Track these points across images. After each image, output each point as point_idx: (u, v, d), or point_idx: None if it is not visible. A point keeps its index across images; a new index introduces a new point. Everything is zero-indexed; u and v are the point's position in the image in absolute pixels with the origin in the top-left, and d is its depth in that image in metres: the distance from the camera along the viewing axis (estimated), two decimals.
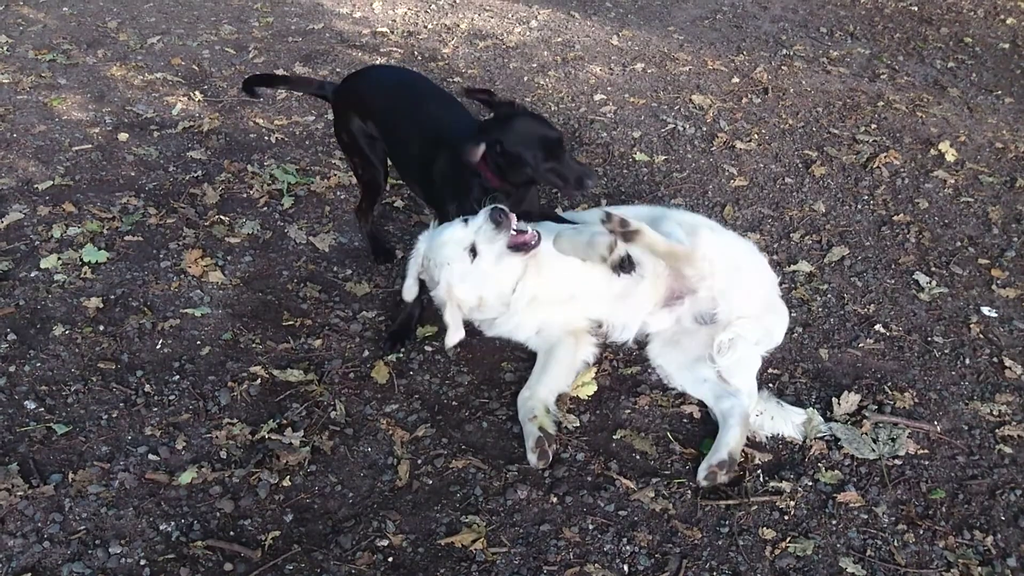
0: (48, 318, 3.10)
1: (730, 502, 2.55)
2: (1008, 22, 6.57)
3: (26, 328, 3.04)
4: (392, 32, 5.74)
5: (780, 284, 3.50)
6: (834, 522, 2.51)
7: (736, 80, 5.33)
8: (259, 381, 2.90)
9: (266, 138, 4.36)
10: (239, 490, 2.52)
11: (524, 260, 2.85)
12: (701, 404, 2.91)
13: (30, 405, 2.73)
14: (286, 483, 2.55)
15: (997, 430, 2.87)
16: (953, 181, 4.33)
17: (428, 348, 3.12)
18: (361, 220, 3.51)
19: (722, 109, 4.94)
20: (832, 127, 4.82)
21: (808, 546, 2.42)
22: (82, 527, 2.37)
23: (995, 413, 2.94)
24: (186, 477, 2.53)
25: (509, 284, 2.89)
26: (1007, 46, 6.11)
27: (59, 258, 3.37)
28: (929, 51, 5.98)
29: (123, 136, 4.26)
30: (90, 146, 4.17)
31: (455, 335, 2.83)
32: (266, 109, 4.63)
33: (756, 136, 4.65)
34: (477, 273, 2.79)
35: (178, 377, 2.90)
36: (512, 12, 6.24)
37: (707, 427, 2.83)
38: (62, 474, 2.51)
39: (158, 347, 3.02)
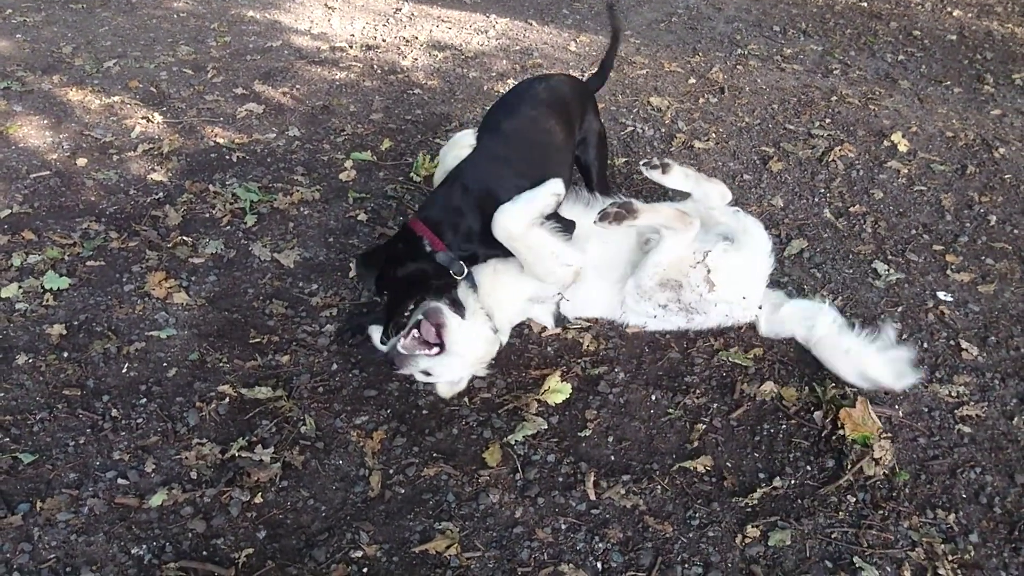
0: (11, 347, 3.07)
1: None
2: (955, 14, 6.72)
3: None
4: (351, 47, 5.75)
5: None
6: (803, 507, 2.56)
7: (693, 81, 5.41)
8: (227, 400, 2.89)
9: (227, 157, 4.35)
10: (211, 509, 2.52)
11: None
12: (664, 399, 2.96)
13: None
14: (258, 500, 2.55)
15: (956, 411, 2.95)
16: (906, 171, 4.43)
17: None
18: None
19: (680, 110, 5.01)
20: (788, 123, 4.91)
21: (776, 534, 2.47)
22: (52, 555, 2.35)
23: (953, 395, 3.02)
24: (156, 499, 2.52)
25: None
26: (954, 38, 6.26)
27: (20, 287, 3.34)
28: (879, 45, 6.10)
29: (82, 161, 4.23)
30: (48, 172, 4.13)
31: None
32: (227, 128, 4.62)
33: (714, 135, 4.73)
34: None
35: (145, 400, 2.89)
36: (470, 22, 6.28)
37: (677, 427, 2.88)
38: (30, 503, 2.49)
39: (124, 371, 3.00)
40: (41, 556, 2.35)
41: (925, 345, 3.25)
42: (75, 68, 5.23)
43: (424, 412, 2.91)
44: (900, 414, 2.92)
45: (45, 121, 4.59)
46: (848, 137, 4.75)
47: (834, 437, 2.79)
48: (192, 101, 4.89)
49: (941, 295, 3.53)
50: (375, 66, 5.47)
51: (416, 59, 5.61)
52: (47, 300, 3.29)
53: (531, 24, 6.30)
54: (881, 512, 2.56)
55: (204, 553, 2.40)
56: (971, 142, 4.74)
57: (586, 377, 3.07)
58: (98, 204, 3.91)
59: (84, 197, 3.96)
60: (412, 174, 4.25)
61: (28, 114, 4.65)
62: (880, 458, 2.70)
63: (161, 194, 4.01)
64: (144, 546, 2.40)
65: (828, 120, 4.95)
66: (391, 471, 2.68)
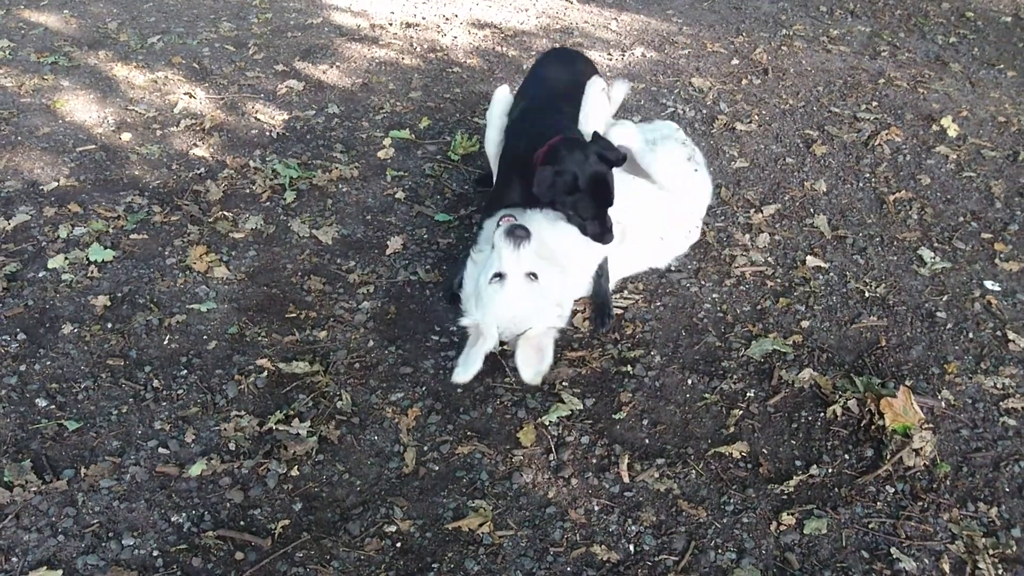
0: (57, 317, 3.14)
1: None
2: None
3: (35, 327, 3.08)
4: (391, 25, 5.74)
5: (781, 263, 3.52)
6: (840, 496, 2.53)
7: (736, 62, 5.31)
8: (265, 373, 2.93)
9: (268, 133, 4.38)
10: (248, 481, 2.56)
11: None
12: (700, 383, 2.93)
13: (41, 403, 2.77)
14: (294, 473, 2.59)
15: (1001, 403, 2.88)
16: (955, 156, 4.31)
17: (433, 337, 3.14)
18: None
19: (722, 91, 4.93)
20: (833, 106, 4.80)
21: (812, 522, 2.44)
22: (95, 520, 2.41)
23: (999, 386, 2.95)
24: (196, 469, 2.57)
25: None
26: (1009, 19, 6.07)
27: (66, 258, 3.40)
28: (930, 27, 5.94)
29: (126, 136, 4.29)
30: (94, 147, 4.20)
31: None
32: (267, 104, 4.65)
33: (756, 117, 4.64)
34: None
35: (186, 372, 2.94)
36: (510, 1, 6.23)
37: (713, 412, 2.85)
38: (74, 469, 2.55)
39: (165, 343, 3.06)
40: (85, 521, 2.41)
41: (971, 335, 3.18)
42: (120, 44, 5.29)
43: (459, 390, 2.92)
44: (943, 405, 2.86)
45: (91, 96, 4.66)
46: (895, 121, 4.64)
47: (873, 426, 2.75)
48: (233, 77, 4.93)
49: (988, 284, 3.44)
50: (414, 44, 5.46)
51: (456, 37, 5.58)
52: (92, 272, 3.35)
53: (571, 3, 6.24)
54: (920, 504, 2.52)
55: (241, 523, 2.44)
56: None
57: (621, 358, 3.05)
58: (142, 178, 3.97)
59: (128, 171, 4.02)
60: (450, 153, 4.25)
61: (75, 89, 4.72)
62: (921, 449, 2.65)
63: (203, 169, 4.05)
64: (183, 514, 2.45)
65: (875, 103, 4.83)
66: (425, 448, 2.69)
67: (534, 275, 2.84)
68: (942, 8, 6.25)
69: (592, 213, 2.99)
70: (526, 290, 2.83)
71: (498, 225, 2.91)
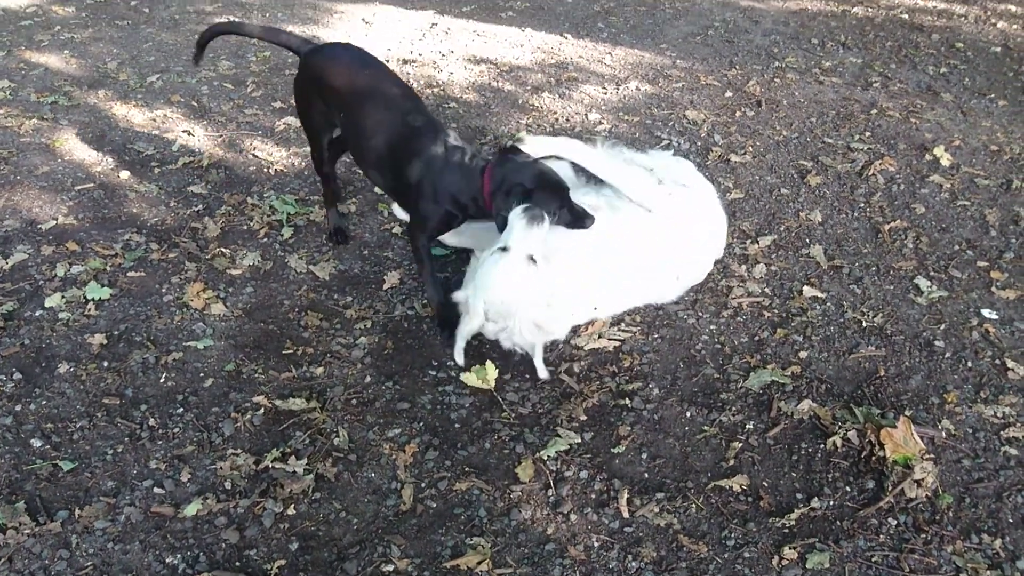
0: (53, 356, 3.13)
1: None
2: (999, 26, 6.61)
3: (31, 367, 3.07)
4: (388, 60, 5.81)
5: (778, 294, 3.52)
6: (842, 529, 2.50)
7: (729, 94, 5.37)
8: (262, 411, 2.92)
9: (265, 170, 4.41)
10: (244, 520, 2.53)
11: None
12: (699, 416, 2.92)
13: (36, 443, 2.75)
14: (291, 511, 2.56)
15: (1002, 432, 2.86)
16: (949, 185, 4.34)
17: (431, 372, 3.13)
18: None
19: (716, 123, 4.98)
20: (826, 136, 4.84)
21: (814, 556, 2.42)
22: (89, 563, 2.38)
23: (999, 415, 2.93)
24: (191, 509, 2.54)
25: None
26: (999, 49, 6.14)
27: (63, 296, 3.40)
28: (921, 57, 6.01)
29: (125, 174, 4.32)
30: (92, 185, 4.22)
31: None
32: (265, 141, 4.68)
33: (751, 149, 4.68)
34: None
35: (182, 410, 2.92)
36: (506, 36, 6.31)
37: (712, 445, 2.84)
38: (68, 511, 2.52)
39: (162, 380, 3.05)
40: (78, 563, 2.38)
41: (969, 364, 3.17)
42: (120, 83, 5.35)
43: (456, 426, 2.90)
44: (943, 435, 2.84)
45: (90, 134, 4.70)
46: (889, 151, 4.68)
47: (874, 458, 2.73)
48: (232, 115, 4.97)
49: (986, 312, 3.44)
50: (411, 80, 5.52)
51: (452, 73, 5.64)
52: (89, 310, 3.35)
53: (566, 38, 6.32)
54: (924, 536, 2.49)
55: (237, 563, 2.41)
56: (1016, 156, 4.64)
57: (620, 391, 3.04)
58: (140, 216, 3.98)
59: (126, 209, 4.04)
60: None
61: (74, 128, 4.76)
62: (922, 480, 2.63)
63: (201, 206, 4.07)
64: (178, 555, 2.42)
65: (868, 133, 4.87)
66: (423, 485, 2.67)
67: (534, 259, 2.87)
68: (932, 39, 6.34)
69: (557, 204, 3.02)
70: (522, 270, 2.86)
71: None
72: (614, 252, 3.17)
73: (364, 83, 3.25)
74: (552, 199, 3.00)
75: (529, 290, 2.90)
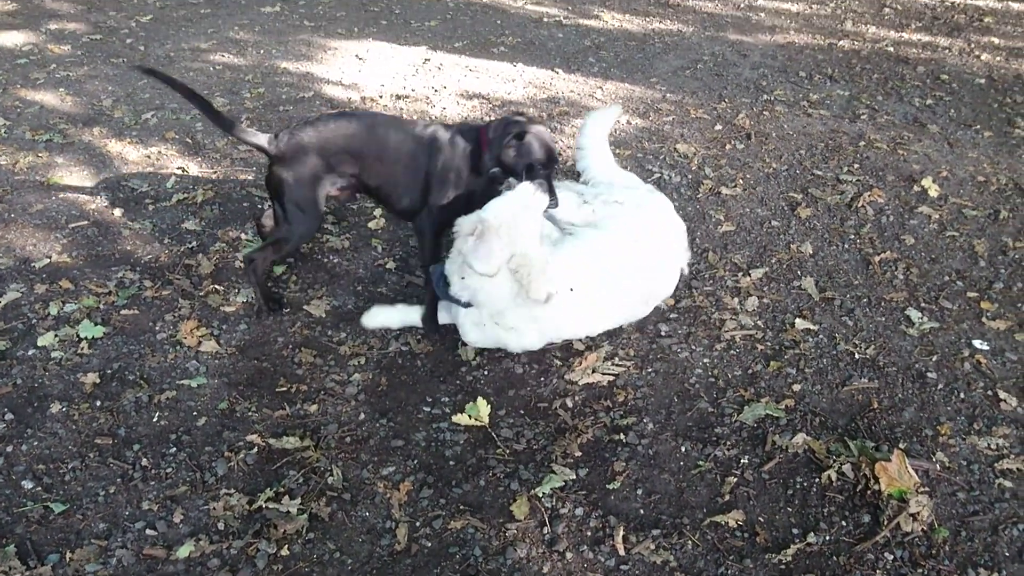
0: (46, 396, 3.12)
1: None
2: (983, 58, 6.71)
3: (23, 407, 3.06)
4: (381, 96, 5.87)
5: (770, 326, 3.53)
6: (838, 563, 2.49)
7: (719, 127, 5.43)
8: (256, 450, 2.90)
9: (259, 206, 4.43)
10: (237, 562, 2.51)
11: None
12: (694, 450, 2.92)
13: (27, 484, 2.73)
14: (284, 552, 2.54)
15: (996, 464, 2.87)
16: (938, 216, 4.39)
17: (425, 408, 3.13)
18: (260, 270, 3.55)
19: (706, 156, 5.03)
20: (815, 169, 4.90)
21: None
22: None
23: (993, 447, 2.94)
24: (184, 551, 2.52)
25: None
26: (983, 81, 6.24)
27: (56, 335, 3.40)
28: (907, 89, 6.10)
29: (119, 211, 4.34)
30: (86, 222, 4.23)
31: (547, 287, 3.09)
32: (259, 177, 4.71)
33: (741, 181, 4.72)
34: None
35: (175, 449, 2.91)
36: (498, 72, 6.38)
37: (708, 480, 2.83)
38: (59, 554, 2.50)
39: (155, 420, 3.03)
40: None
41: (962, 395, 3.18)
42: (115, 120, 5.38)
43: (451, 463, 2.89)
44: (937, 467, 2.84)
45: (85, 172, 4.72)
46: (877, 182, 4.73)
47: (869, 492, 2.73)
48: (226, 151, 5.01)
49: (977, 343, 3.46)
50: (405, 115, 5.57)
51: (445, 108, 5.70)
52: (82, 348, 3.35)
53: (557, 72, 6.39)
54: (920, 570, 2.48)
55: None
56: (1003, 186, 4.69)
57: (613, 426, 3.03)
58: (134, 253, 3.99)
59: (120, 246, 4.05)
60: None
61: (69, 165, 4.78)
62: (918, 514, 2.63)
63: (194, 243, 4.08)
64: None
65: (856, 165, 4.93)
66: (418, 523, 2.66)
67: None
68: (918, 71, 6.43)
69: (548, 172, 3.36)
70: (526, 202, 3.12)
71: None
72: (582, 278, 3.24)
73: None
74: (542, 151, 3.33)
75: (522, 224, 3.07)
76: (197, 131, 5.25)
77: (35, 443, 2.91)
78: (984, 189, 4.66)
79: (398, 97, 5.87)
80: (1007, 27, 7.43)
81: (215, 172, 4.76)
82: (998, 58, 6.69)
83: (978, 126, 5.49)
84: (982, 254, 4.06)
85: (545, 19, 7.73)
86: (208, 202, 4.44)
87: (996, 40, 7.10)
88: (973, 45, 6.99)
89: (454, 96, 5.91)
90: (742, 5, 8.21)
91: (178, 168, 4.79)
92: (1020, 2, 8.14)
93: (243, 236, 4.12)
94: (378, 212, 4.36)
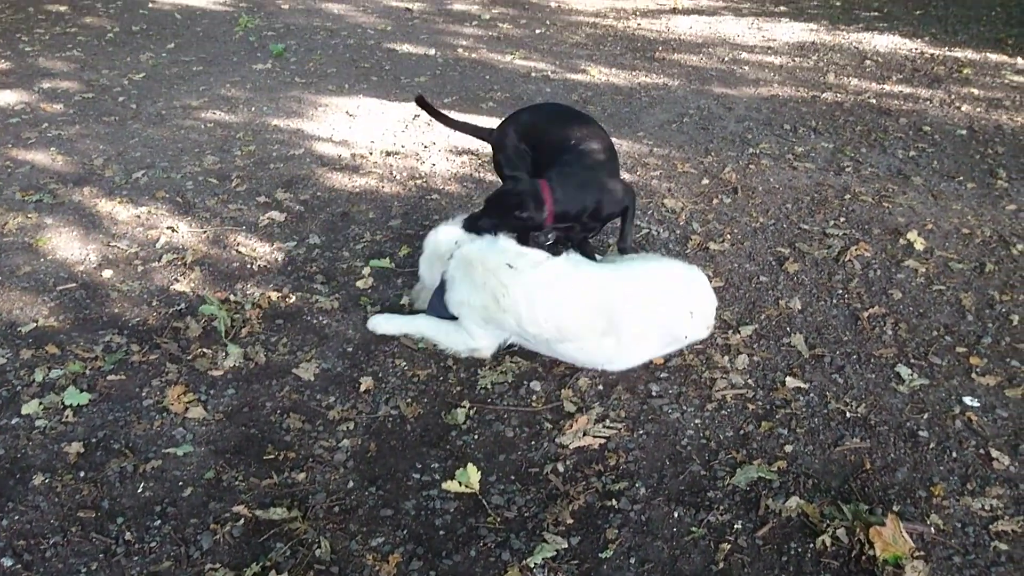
0: (28, 467, 3.07)
1: None
2: (963, 109, 6.84)
3: (5, 478, 3.01)
4: (371, 153, 5.92)
5: (761, 385, 3.53)
6: None
7: (706, 181, 5.49)
8: (242, 521, 2.85)
9: (249, 266, 4.43)
10: None
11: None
12: (687, 516, 2.88)
13: (7, 562, 2.67)
14: None
15: (990, 526, 2.84)
16: (924, 270, 4.42)
17: (414, 475, 3.09)
18: None
19: (694, 211, 5.07)
20: (802, 223, 4.94)
21: None
22: None
23: (987, 508, 2.92)
24: None
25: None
26: (964, 132, 6.34)
27: (40, 403, 3.36)
28: (890, 141, 6.19)
29: (107, 273, 4.33)
30: (75, 285, 4.22)
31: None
32: (249, 236, 4.72)
33: (729, 236, 4.76)
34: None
35: (159, 522, 2.86)
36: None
37: (701, 547, 2.79)
38: None
39: (139, 491, 2.98)
40: None
41: (954, 454, 3.16)
42: (105, 179, 5.41)
43: (441, 532, 2.85)
44: (932, 531, 2.81)
45: (74, 233, 4.73)
46: (863, 236, 4.77)
47: (864, 557, 2.69)
48: (216, 210, 5.02)
49: (967, 400, 3.46)
50: (394, 172, 5.62)
51: (435, 164, 5.75)
52: (67, 416, 3.31)
53: None
54: None
55: None
56: (988, 239, 4.74)
57: (606, 492, 3.00)
58: (121, 316, 3.97)
59: (108, 309, 4.03)
60: None
61: (58, 226, 4.79)
62: None
63: (183, 305, 4.07)
64: None
65: (843, 219, 4.97)
66: None
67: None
68: (900, 123, 6.54)
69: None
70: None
71: None
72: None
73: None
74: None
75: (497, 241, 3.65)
76: (187, 190, 5.28)
77: (16, 517, 2.85)
78: (969, 241, 4.71)
79: (388, 153, 5.92)
80: (986, 78, 7.59)
81: (205, 232, 4.77)
82: (978, 109, 6.82)
83: (961, 177, 5.56)
84: (969, 308, 4.08)
85: (533, 74, 7.85)
86: (197, 262, 4.45)
87: (975, 91, 7.24)
88: (953, 96, 7.13)
89: (443, 152, 5.96)
90: (726, 59, 8.36)
91: (168, 227, 4.80)
92: (998, 53, 8.33)
93: (232, 297, 4.11)
94: (367, 271, 4.36)
